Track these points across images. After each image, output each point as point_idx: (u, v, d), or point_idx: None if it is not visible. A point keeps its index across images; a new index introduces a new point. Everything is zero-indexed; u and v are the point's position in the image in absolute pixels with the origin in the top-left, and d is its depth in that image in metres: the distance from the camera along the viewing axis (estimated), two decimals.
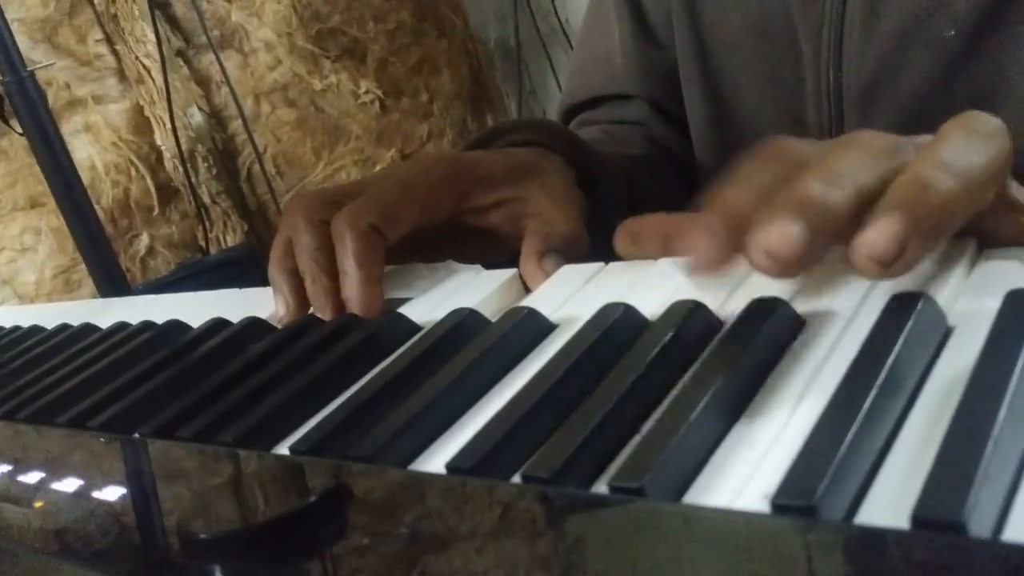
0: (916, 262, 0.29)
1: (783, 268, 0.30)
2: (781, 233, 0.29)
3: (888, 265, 0.29)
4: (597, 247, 0.53)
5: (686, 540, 0.23)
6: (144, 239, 1.73)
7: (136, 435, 0.40)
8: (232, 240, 1.75)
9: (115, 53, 1.69)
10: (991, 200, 0.32)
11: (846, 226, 0.30)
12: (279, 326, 0.49)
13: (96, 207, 1.59)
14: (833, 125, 0.54)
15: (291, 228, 0.48)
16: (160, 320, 0.55)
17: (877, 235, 0.28)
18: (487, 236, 0.53)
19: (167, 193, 1.74)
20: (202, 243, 1.76)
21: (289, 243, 0.49)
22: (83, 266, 1.55)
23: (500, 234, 0.52)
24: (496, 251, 0.55)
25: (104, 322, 0.60)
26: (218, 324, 0.51)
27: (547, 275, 0.45)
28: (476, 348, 0.36)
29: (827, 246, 0.31)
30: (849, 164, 0.31)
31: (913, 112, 0.34)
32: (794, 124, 0.57)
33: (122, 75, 1.70)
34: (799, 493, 0.23)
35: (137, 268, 1.72)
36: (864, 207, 0.30)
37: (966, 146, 0.31)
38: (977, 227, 0.33)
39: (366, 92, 1.80)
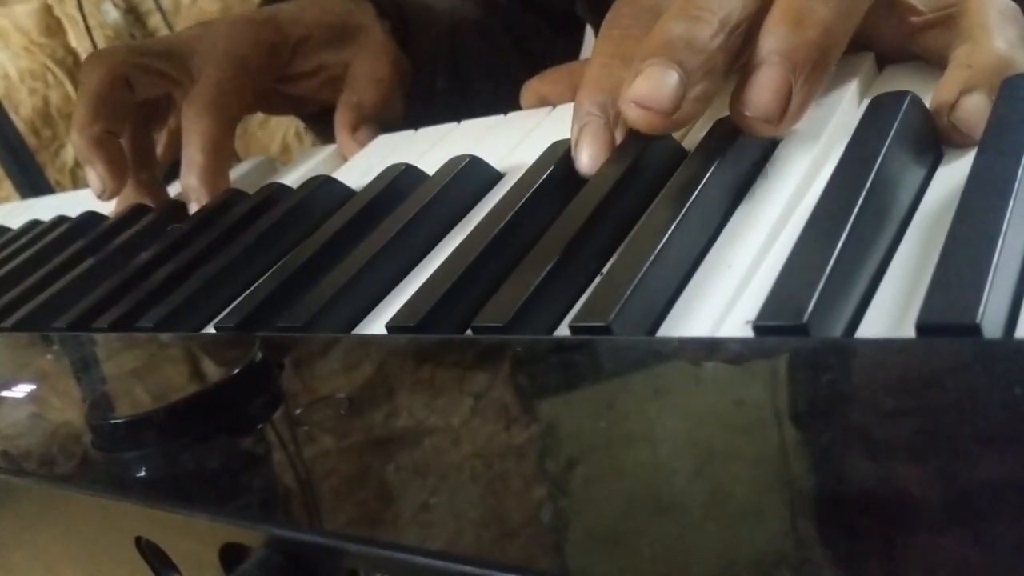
0: (808, 104, 0.27)
1: (660, 118, 0.27)
2: (651, 80, 0.27)
3: (779, 120, 0.27)
4: (418, 103, 0.53)
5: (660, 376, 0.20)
6: (71, 149, 1.64)
7: (51, 331, 0.36)
8: None
9: None
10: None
11: (724, 63, 0.28)
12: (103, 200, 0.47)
13: (14, 118, 1.50)
14: None
15: (106, 89, 0.46)
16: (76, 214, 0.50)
17: (757, 93, 0.26)
18: (300, 98, 0.52)
19: None
20: None
21: (99, 105, 0.45)
22: (9, 182, 1.48)
23: (316, 98, 0.51)
24: (308, 108, 0.54)
25: (19, 222, 0.56)
26: (137, 211, 0.47)
27: (362, 146, 0.46)
28: (415, 203, 0.33)
29: (709, 90, 0.28)
30: None
31: None
32: None
33: None
34: (786, 312, 0.20)
35: (67, 180, 1.64)
36: (737, 42, 0.28)
37: None
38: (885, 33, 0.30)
39: None
